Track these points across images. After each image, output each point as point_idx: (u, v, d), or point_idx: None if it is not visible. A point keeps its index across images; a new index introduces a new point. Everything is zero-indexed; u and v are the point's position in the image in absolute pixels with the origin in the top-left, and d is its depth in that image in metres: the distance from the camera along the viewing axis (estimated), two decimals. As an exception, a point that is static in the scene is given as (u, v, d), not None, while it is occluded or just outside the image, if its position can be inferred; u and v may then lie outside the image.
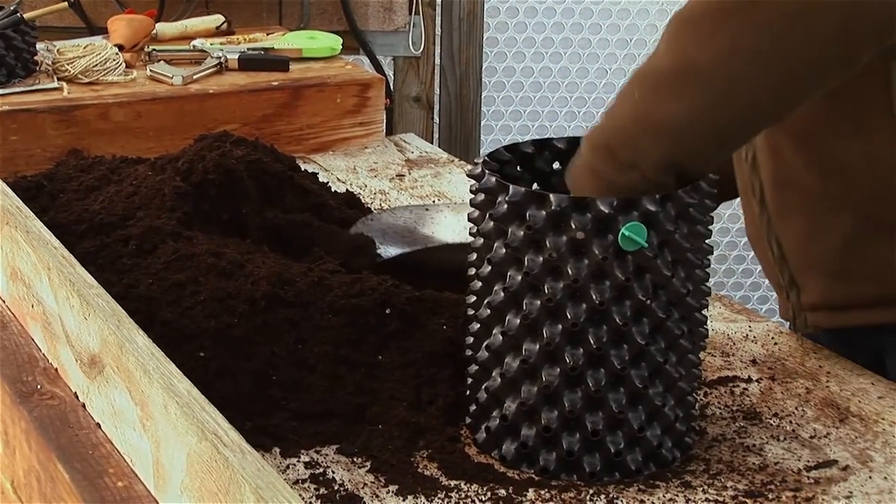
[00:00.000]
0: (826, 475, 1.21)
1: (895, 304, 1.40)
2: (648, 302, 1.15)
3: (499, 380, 1.20)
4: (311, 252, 1.53)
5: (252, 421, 1.24)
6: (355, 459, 1.21)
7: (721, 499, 1.16)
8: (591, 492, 1.17)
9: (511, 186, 1.17)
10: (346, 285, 1.36)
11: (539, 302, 1.16)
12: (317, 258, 1.50)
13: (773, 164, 1.44)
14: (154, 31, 2.38)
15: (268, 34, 2.44)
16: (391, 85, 3.09)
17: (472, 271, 1.23)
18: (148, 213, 1.49)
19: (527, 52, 3.49)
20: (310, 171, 1.82)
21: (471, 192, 1.22)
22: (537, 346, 1.17)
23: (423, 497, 1.15)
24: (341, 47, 2.36)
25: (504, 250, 1.17)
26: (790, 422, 1.31)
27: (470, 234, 1.24)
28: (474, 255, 1.23)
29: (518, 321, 1.18)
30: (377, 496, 1.15)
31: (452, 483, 1.18)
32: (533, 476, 1.19)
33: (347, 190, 1.87)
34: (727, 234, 3.56)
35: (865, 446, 1.26)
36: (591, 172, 1.21)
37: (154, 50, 2.25)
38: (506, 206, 1.16)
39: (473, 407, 1.25)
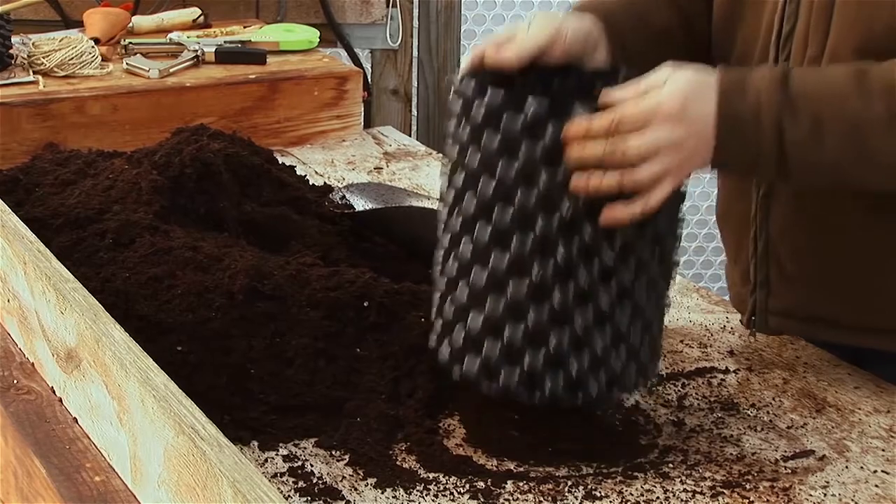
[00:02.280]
0: (803, 465, 1.21)
1: (881, 333, 1.38)
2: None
3: (466, 293, 1.17)
4: (289, 245, 1.53)
5: (230, 414, 1.24)
6: (334, 452, 1.21)
7: (699, 489, 1.16)
8: (569, 483, 1.17)
9: (490, 89, 1.13)
10: (323, 278, 1.35)
11: (510, 212, 1.13)
12: (295, 251, 1.50)
13: None
14: (130, 24, 2.37)
15: (245, 27, 2.43)
16: (369, 78, 3.09)
17: (446, 184, 1.19)
18: (124, 207, 1.48)
19: (504, 44, 3.48)
20: (287, 164, 1.81)
21: (450, 99, 1.19)
22: (506, 258, 1.14)
23: (401, 490, 1.15)
24: (318, 40, 2.35)
25: (479, 157, 1.14)
26: (767, 412, 1.31)
27: (446, 145, 1.20)
28: (448, 169, 1.19)
29: (488, 231, 1.14)
30: (355, 489, 1.15)
31: (431, 475, 1.18)
32: (512, 468, 1.19)
33: (325, 183, 1.86)
34: (704, 225, 3.57)
35: (842, 436, 1.27)
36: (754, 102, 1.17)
37: (130, 43, 2.24)
38: (483, 109, 1.13)
39: (440, 323, 1.21)
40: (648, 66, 1.34)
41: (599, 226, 1.12)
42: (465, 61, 1.25)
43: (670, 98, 1.15)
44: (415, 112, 3.20)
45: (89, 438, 1.16)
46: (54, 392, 1.24)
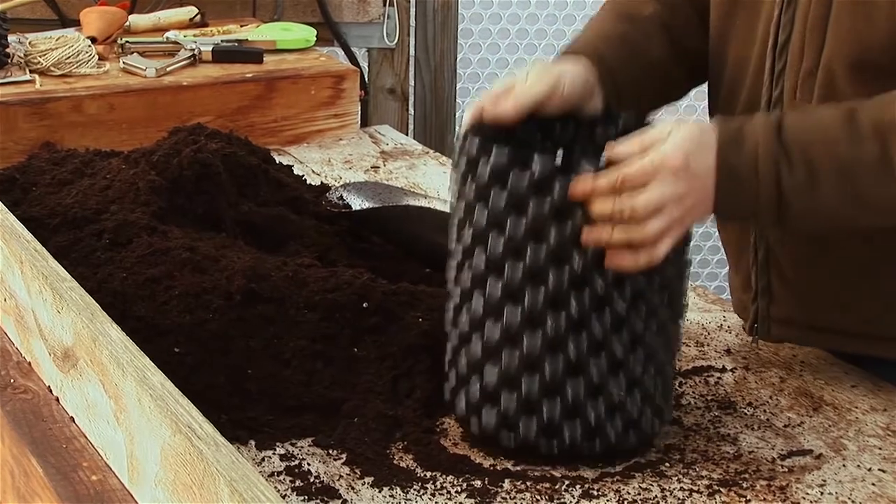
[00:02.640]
0: (800, 464, 1.21)
1: (882, 341, 1.38)
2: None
3: (479, 348, 1.19)
4: (287, 245, 1.53)
5: (228, 414, 1.24)
6: (331, 452, 1.21)
7: (696, 488, 1.16)
8: (566, 483, 1.17)
9: (495, 148, 1.15)
10: (321, 280, 1.35)
11: (521, 267, 1.15)
12: (292, 252, 1.50)
13: None
14: (127, 23, 2.36)
15: (242, 26, 2.43)
16: (366, 77, 3.08)
17: (454, 239, 1.21)
18: (122, 207, 1.48)
19: (501, 43, 3.49)
20: (284, 163, 1.81)
21: (454, 159, 1.20)
22: (519, 313, 1.16)
23: (398, 489, 1.15)
24: (315, 39, 2.35)
25: (487, 214, 1.16)
26: (764, 411, 1.31)
27: (451, 204, 1.22)
28: (456, 225, 1.21)
29: (500, 286, 1.16)
30: (352, 488, 1.15)
31: (428, 474, 1.18)
32: (509, 467, 1.19)
33: (322, 182, 1.86)
34: (700, 224, 3.57)
35: (839, 435, 1.27)
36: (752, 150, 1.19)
37: (127, 42, 2.23)
38: (488, 169, 1.15)
39: (454, 378, 1.23)
40: (643, 99, 1.36)
41: (610, 277, 1.15)
42: (467, 118, 1.27)
43: (673, 153, 1.17)
44: (411, 111, 3.20)
45: (86, 437, 1.16)
46: (51, 391, 1.24)
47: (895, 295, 1.36)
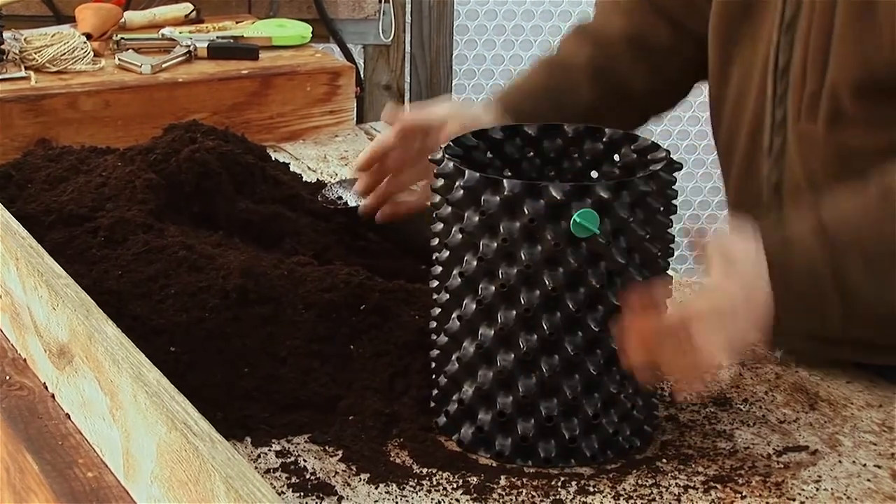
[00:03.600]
0: (795, 460, 1.21)
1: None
2: (603, 289, 1.15)
3: (457, 364, 1.20)
4: (283, 243, 1.53)
5: (223, 412, 1.24)
6: (327, 448, 1.21)
7: (691, 484, 1.17)
8: (562, 479, 1.17)
9: (467, 171, 1.16)
10: (318, 279, 1.35)
11: (493, 287, 1.16)
12: (289, 250, 1.50)
13: (805, 161, 1.35)
14: (122, 19, 2.36)
15: (237, 22, 2.42)
16: (361, 73, 3.08)
17: (434, 256, 1.24)
18: (118, 205, 1.48)
19: (497, 39, 3.49)
20: (280, 160, 1.81)
21: (434, 176, 1.22)
22: (492, 332, 1.17)
23: (394, 485, 1.15)
24: (311, 35, 2.35)
25: (460, 235, 1.17)
26: (760, 407, 1.31)
27: (432, 220, 1.24)
28: (436, 240, 1.23)
29: (474, 306, 1.18)
30: (349, 484, 1.15)
31: (425, 471, 1.18)
32: (505, 464, 1.19)
33: (318, 179, 1.86)
34: (696, 221, 3.57)
35: (834, 430, 1.27)
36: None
37: (122, 38, 2.23)
38: (461, 191, 1.16)
39: (436, 392, 1.25)
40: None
41: (583, 297, 1.15)
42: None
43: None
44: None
45: (82, 434, 1.15)
46: (46, 388, 1.24)
47: None
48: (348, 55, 3.02)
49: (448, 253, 1.20)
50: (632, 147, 1.27)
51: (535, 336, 1.16)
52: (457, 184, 1.17)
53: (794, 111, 1.33)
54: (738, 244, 1.19)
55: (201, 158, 1.54)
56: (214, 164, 1.55)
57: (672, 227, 1.22)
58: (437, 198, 1.22)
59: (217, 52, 2.21)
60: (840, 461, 1.21)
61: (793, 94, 1.33)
